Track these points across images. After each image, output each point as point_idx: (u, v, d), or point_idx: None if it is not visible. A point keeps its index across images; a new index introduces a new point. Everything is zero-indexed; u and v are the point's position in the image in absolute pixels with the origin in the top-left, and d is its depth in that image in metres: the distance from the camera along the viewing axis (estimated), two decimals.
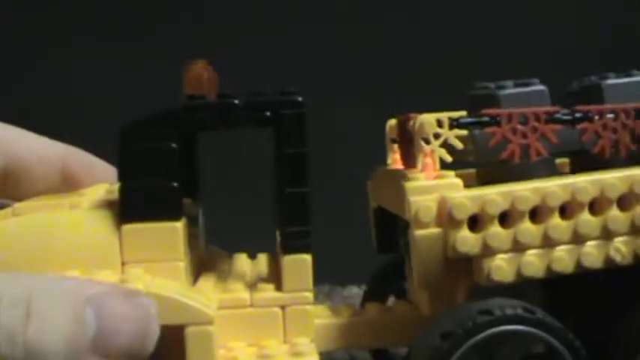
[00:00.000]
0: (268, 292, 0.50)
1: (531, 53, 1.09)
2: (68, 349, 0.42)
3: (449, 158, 0.52)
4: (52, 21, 1.09)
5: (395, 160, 0.61)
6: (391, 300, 0.64)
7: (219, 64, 0.52)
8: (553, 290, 0.53)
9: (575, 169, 0.58)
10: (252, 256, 0.60)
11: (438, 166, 0.52)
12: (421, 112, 0.56)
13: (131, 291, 0.46)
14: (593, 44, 1.10)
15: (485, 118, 0.53)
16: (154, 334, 0.44)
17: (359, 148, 1.05)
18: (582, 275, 0.51)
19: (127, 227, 0.48)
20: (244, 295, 0.49)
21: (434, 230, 0.50)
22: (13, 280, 0.42)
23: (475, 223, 0.50)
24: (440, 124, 0.52)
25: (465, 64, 1.08)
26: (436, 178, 0.52)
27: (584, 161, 0.56)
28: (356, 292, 0.96)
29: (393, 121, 0.61)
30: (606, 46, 1.09)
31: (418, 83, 1.05)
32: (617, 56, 0.79)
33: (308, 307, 0.49)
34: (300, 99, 0.49)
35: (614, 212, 0.51)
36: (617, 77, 0.57)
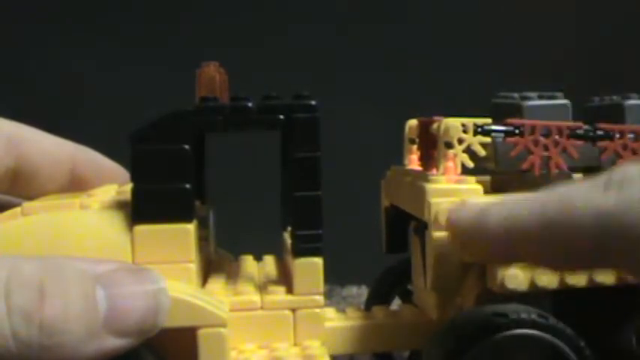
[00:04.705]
0: (279, 294, 0.49)
1: (532, 59, 1.10)
2: (83, 328, 0.41)
3: (471, 164, 0.52)
4: (65, 19, 1.08)
5: (411, 160, 0.61)
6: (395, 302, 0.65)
7: (231, 66, 0.51)
8: (561, 301, 0.53)
9: None
10: (257, 257, 0.60)
11: (459, 170, 0.53)
12: (429, 115, 0.57)
13: (139, 268, 0.45)
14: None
15: (510, 127, 0.53)
16: (165, 308, 0.44)
17: (358, 150, 1.05)
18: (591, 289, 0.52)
19: (139, 228, 0.47)
20: (255, 297, 0.49)
21: None
22: (23, 262, 0.42)
23: None
24: (464, 129, 0.53)
25: (473, 68, 1.08)
26: (457, 182, 0.52)
27: None
28: (355, 292, 0.96)
29: (413, 122, 0.61)
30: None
31: (425, 86, 1.05)
32: None
33: (318, 310, 0.49)
34: (313, 103, 0.48)
35: None
36: None
